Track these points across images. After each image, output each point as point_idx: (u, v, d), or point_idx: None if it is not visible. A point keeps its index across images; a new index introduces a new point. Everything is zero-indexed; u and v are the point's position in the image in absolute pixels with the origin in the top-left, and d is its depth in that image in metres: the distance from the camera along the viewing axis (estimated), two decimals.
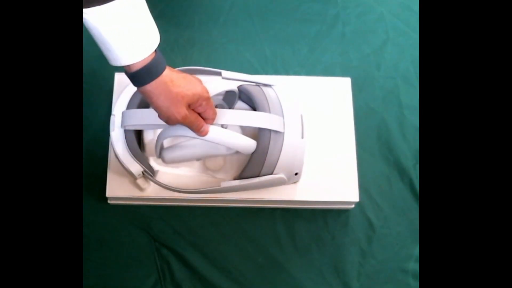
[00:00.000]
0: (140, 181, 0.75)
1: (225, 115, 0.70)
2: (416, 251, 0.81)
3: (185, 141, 0.75)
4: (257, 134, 0.73)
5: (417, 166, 0.85)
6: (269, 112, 0.72)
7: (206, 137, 0.68)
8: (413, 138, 0.87)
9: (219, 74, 0.74)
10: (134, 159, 0.72)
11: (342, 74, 0.88)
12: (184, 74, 0.64)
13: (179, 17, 0.94)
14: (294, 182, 0.77)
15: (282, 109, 0.73)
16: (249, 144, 0.71)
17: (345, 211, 0.83)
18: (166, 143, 0.76)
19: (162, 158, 0.75)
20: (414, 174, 0.85)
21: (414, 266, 0.81)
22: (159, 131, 0.72)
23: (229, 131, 0.70)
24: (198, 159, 0.77)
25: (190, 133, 0.69)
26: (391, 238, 0.82)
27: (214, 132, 0.69)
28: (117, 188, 0.77)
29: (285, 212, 0.82)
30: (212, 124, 0.69)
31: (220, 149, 0.75)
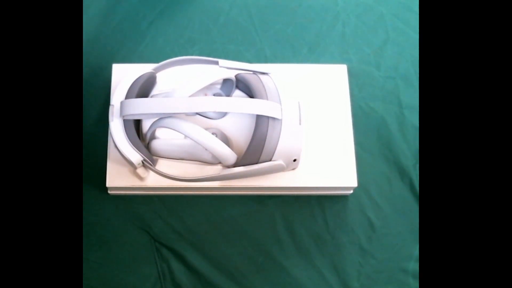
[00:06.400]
0: (140, 171, 0.75)
1: (223, 103, 0.71)
2: (416, 251, 0.81)
3: (175, 139, 0.76)
4: (256, 121, 0.73)
5: (417, 166, 0.85)
6: (267, 99, 0.73)
7: (192, 138, 0.71)
8: (413, 138, 0.87)
9: (216, 63, 0.75)
10: (133, 149, 0.73)
11: None
12: None
13: (179, 17, 0.94)
14: (293, 169, 0.78)
15: (279, 96, 0.74)
16: (228, 154, 0.73)
17: (345, 211, 0.83)
18: (159, 133, 0.76)
19: (149, 146, 0.75)
20: (414, 174, 0.85)
21: (414, 266, 0.81)
22: None
23: (215, 138, 0.72)
24: (181, 159, 0.78)
25: (186, 131, 0.71)
26: (391, 238, 0.82)
27: (200, 134, 0.71)
28: (117, 178, 0.77)
29: (285, 212, 0.82)
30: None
31: (205, 156, 0.76)
